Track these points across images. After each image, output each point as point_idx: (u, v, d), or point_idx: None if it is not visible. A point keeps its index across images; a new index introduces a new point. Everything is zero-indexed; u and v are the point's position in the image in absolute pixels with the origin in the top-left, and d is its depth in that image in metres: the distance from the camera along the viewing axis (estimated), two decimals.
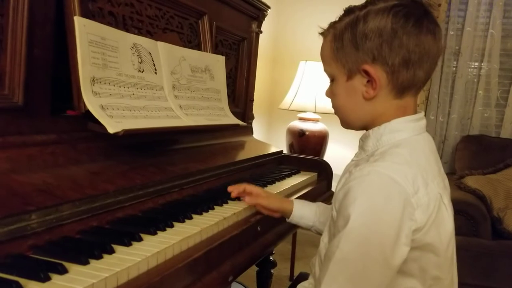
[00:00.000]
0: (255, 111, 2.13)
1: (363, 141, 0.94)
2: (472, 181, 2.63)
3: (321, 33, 0.96)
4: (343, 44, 0.88)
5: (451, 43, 3.21)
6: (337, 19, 0.92)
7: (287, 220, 1.23)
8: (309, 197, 1.67)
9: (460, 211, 2.36)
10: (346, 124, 0.98)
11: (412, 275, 0.85)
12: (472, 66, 3.22)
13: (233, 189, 1.22)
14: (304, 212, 1.21)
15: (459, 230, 2.46)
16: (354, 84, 0.90)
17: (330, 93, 0.97)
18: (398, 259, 0.79)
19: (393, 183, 0.79)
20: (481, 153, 3.00)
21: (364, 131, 0.95)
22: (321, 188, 1.88)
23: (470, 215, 2.39)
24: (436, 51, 0.87)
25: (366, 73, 0.87)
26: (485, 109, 3.21)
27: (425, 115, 0.94)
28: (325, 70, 0.96)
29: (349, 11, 0.90)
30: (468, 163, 2.98)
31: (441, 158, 3.27)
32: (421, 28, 0.84)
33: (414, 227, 0.79)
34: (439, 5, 3.05)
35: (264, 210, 1.21)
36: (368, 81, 0.88)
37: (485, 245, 2.37)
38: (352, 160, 0.97)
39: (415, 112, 0.92)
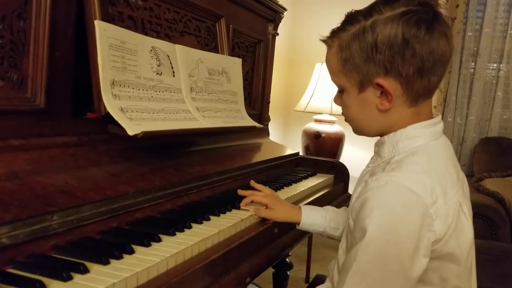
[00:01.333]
0: (271, 113, 2.13)
1: (378, 147, 0.92)
2: (491, 184, 2.60)
3: (324, 41, 0.93)
4: (351, 56, 0.85)
5: (469, 44, 3.18)
6: (340, 26, 0.89)
7: (297, 227, 1.21)
8: (326, 199, 1.67)
9: (479, 214, 2.33)
10: (360, 132, 0.95)
11: (432, 285, 0.83)
12: (491, 67, 3.18)
13: (242, 201, 1.21)
14: (313, 219, 1.19)
15: (478, 233, 2.41)
16: (367, 97, 0.87)
17: (341, 103, 0.94)
18: (417, 271, 0.78)
19: (411, 194, 0.77)
20: (500, 155, 2.96)
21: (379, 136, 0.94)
22: (338, 190, 1.88)
23: (489, 218, 2.36)
24: (449, 53, 0.84)
25: (380, 86, 0.84)
26: (504, 111, 3.17)
27: (442, 117, 0.94)
28: (334, 81, 0.93)
29: (352, 18, 0.86)
30: (487, 166, 2.94)
31: (458, 160, 3.23)
32: (433, 34, 0.81)
33: (434, 239, 0.78)
34: (457, 6, 3.03)
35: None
36: (381, 93, 0.85)
37: (504, 248, 2.33)
38: (368, 166, 0.96)
39: (431, 116, 0.90)
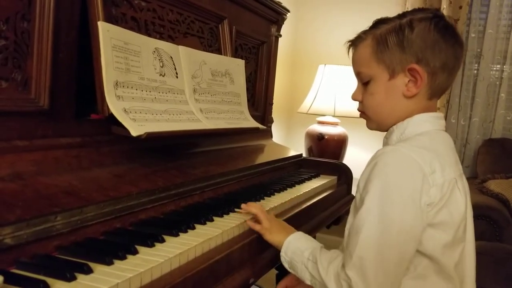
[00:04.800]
0: (274, 115, 2.13)
1: (387, 137, 1.01)
2: (494, 185, 2.59)
3: (353, 40, 1.03)
4: (388, 46, 0.95)
5: (473, 45, 3.17)
6: (371, 27, 1.00)
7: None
8: (329, 200, 1.67)
9: (483, 215, 2.32)
10: (377, 122, 1.03)
11: (425, 253, 0.90)
12: (494, 68, 3.17)
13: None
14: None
15: (482, 235, 2.42)
16: (396, 83, 0.97)
17: (364, 94, 1.02)
18: (419, 228, 0.87)
19: (412, 160, 0.87)
20: (504, 157, 2.94)
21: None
22: (341, 192, 1.88)
23: (493, 220, 2.35)
24: (461, 61, 0.98)
25: (412, 71, 0.94)
26: (508, 112, 3.15)
27: (446, 119, 0.99)
28: (361, 72, 1.01)
29: (384, 20, 0.99)
30: (490, 167, 2.93)
31: (462, 162, 3.22)
32: (455, 39, 0.96)
33: (428, 202, 0.87)
34: (460, 7, 3.02)
35: None
36: (409, 81, 0.95)
37: (508, 250, 2.32)
38: None
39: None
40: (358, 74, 1.03)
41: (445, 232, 0.90)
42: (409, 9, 1.01)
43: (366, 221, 0.87)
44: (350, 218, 0.98)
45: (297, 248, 1.03)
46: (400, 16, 0.98)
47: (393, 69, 0.96)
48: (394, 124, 0.99)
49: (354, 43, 1.03)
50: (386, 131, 1.02)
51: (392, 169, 0.88)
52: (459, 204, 0.92)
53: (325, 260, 0.94)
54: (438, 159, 0.89)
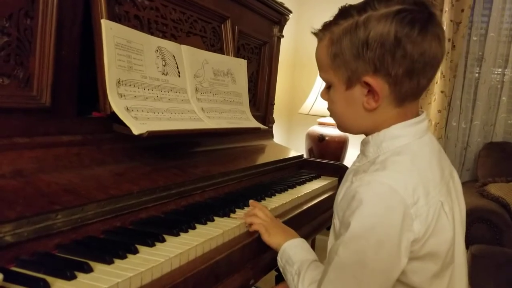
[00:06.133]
0: (275, 115, 2.13)
1: (363, 146, 0.91)
2: (495, 189, 2.59)
3: (315, 34, 0.90)
4: (342, 51, 0.82)
5: (474, 49, 3.16)
6: (332, 19, 0.86)
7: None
8: (331, 202, 1.66)
9: (483, 219, 2.32)
10: (343, 129, 0.94)
11: (412, 286, 0.82)
12: (496, 72, 3.16)
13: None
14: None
15: (482, 239, 2.42)
16: (354, 94, 0.85)
17: (328, 98, 0.92)
18: (396, 271, 0.78)
19: (393, 193, 0.77)
20: (504, 160, 2.94)
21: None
22: None
23: (493, 223, 2.34)
24: (441, 56, 0.83)
25: (367, 84, 0.82)
26: (509, 116, 3.15)
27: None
28: (321, 77, 0.91)
29: (346, 12, 0.84)
30: (491, 170, 2.92)
31: (463, 165, 3.22)
32: (426, 35, 0.79)
33: (412, 238, 0.77)
34: (462, 10, 3.01)
35: None
36: (368, 91, 0.83)
37: (509, 254, 2.32)
38: (354, 165, 0.94)
39: (417, 115, 0.88)
40: (320, 77, 0.92)
41: (433, 262, 0.82)
42: None
43: (340, 256, 0.80)
44: (330, 238, 0.95)
45: (289, 258, 1.01)
46: (361, 10, 0.81)
47: (348, 78, 0.84)
48: (363, 132, 0.90)
49: (317, 36, 0.90)
50: (360, 134, 0.92)
51: (369, 209, 0.77)
52: (446, 231, 0.82)
53: (307, 280, 0.92)
54: (422, 183, 0.79)
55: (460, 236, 0.89)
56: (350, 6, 0.84)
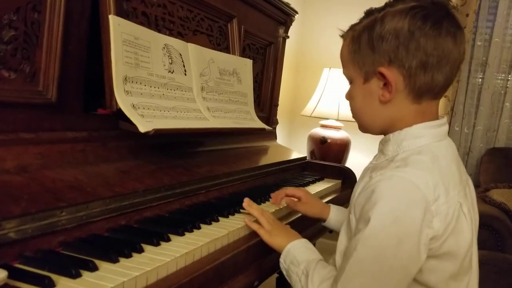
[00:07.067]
0: (277, 117, 2.12)
1: (382, 144, 0.92)
2: (497, 195, 2.58)
3: (342, 36, 0.95)
4: (360, 46, 0.87)
5: (478, 54, 3.15)
6: (357, 21, 0.91)
7: (322, 224, 1.27)
8: (334, 204, 1.65)
9: (485, 225, 2.31)
10: (363, 128, 0.96)
11: (428, 286, 0.83)
12: (499, 77, 3.15)
13: (275, 196, 1.26)
14: (340, 218, 1.24)
15: (484, 245, 2.41)
16: (371, 87, 0.88)
17: (349, 95, 0.96)
18: (415, 267, 0.79)
19: (415, 189, 0.78)
20: (507, 166, 2.93)
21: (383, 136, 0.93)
22: (345, 196, 1.85)
23: (495, 229, 2.34)
24: (457, 55, 0.84)
25: (382, 75, 0.85)
26: None
27: (449, 126, 0.92)
28: (344, 73, 0.95)
29: (368, 13, 0.89)
30: (493, 176, 2.91)
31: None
32: (440, 30, 0.81)
33: (431, 235, 0.78)
34: (467, 15, 3.00)
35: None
36: (384, 84, 0.86)
37: (510, 260, 2.31)
38: (371, 163, 0.95)
39: (436, 118, 0.89)
40: (343, 74, 0.96)
41: (451, 262, 0.82)
42: None
43: (359, 252, 0.79)
44: (342, 237, 0.94)
45: (294, 258, 1.00)
46: (380, 9, 0.87)
47: (366, 72, 0.88)
48: (383, 131, 0.91)
49: (343, 38, 0.95)
50: (380, 134, 0.94)
51: (390, 204, 0.78)
52: (465, 232, 0.83)
53: (317, 278, 0.91)
54: (442, 181, 0.80)
55: (475, 244, 0.89)
56: (374, 8, 0.89)
